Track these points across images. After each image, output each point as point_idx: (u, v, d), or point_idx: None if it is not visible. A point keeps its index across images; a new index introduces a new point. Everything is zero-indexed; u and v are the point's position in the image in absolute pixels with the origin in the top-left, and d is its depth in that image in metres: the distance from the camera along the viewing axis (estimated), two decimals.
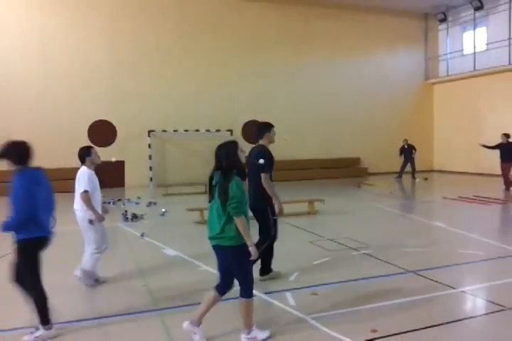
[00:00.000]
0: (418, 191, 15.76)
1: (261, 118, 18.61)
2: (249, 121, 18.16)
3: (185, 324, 3.84)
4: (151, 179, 16.90)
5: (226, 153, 3.67)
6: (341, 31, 20.16)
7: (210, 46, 18.09)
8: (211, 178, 3.78)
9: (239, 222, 3.58)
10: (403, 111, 21.50)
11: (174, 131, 17.28)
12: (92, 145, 6.18)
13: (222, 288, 3.84)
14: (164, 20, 17.54)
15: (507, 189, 13.73)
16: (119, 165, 16.35)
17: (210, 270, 5.78)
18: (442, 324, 4.15)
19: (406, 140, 18.19)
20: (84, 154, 5.35)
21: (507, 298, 4.82)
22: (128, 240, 8.03)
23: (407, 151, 18.02)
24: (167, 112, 17.46)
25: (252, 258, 3.68)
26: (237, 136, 17.58)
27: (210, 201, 3.76)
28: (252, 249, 3.64)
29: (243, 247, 3.64)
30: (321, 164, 19.50)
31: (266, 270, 5.55)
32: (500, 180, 14.24)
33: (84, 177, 5.22)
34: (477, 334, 4.14)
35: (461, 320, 4.29)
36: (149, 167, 16.98)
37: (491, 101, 19.05)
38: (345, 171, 19.64)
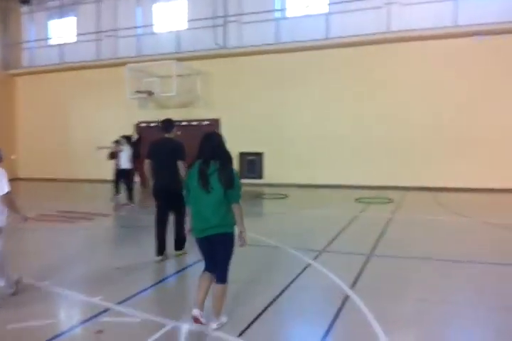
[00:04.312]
0: None
1: None
2: None
3: (196, 312, 3.74)
4: None
5: (220, 143, 3.79)
6: None
7: None
8: (206, 168, 3.67)
9: (239, 207, 3.73)
10: None
11: None
12: None
13: (214, 269, 3.81)
14: None
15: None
16: None
17: None
18: None
19: None
20: None
21: None
22: None
23: None
24: None
25: (245, 244, 3.79)
26: None
27: (208, 191, 3.63)
28: (245, 234, 3.78)
29: (233, 234, 3.75)
30: None
31: (182, 244, 6.03)
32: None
33: (5, 177, 4.40)
34: None
35: None
36: None
37: (78, 97, 17.28)
38: None
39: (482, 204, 10.90)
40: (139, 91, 15.29)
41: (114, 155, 11.28)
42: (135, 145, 12.93)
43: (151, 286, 4.94)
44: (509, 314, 4.10)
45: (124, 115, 16.46)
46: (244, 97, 15.08)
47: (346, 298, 4.46)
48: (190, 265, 5.71)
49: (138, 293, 4.64)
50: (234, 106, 15.18)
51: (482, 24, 12.45)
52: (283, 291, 4.66)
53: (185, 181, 3.84)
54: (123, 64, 15.60)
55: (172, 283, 5.28)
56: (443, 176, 12.99)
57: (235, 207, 3.70)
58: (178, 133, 6.42)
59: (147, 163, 5.93)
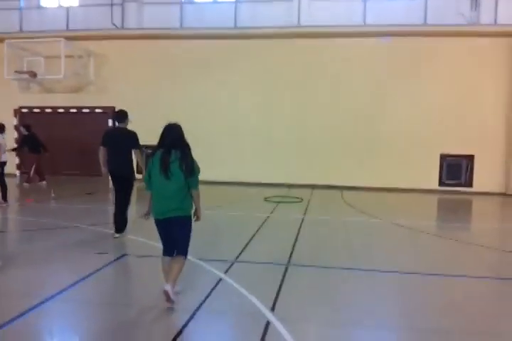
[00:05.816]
0: None
1: None
2: None
3: (167, 286, 3.85)
4: None
5: (180, 133, 4.09)
6: None
7: None
8: (167, 156, 3.91)
9: (198, 193, 4.11)
10: None
11: None
12: None
13: (173, 251, 4.10)
14: None
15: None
16: None
17: None
18: None
19: None
20: None
21: None
22: None
23: None
24: None
25: (199, 219, 4.19)
26: None
27: (168, 178, 3.88)
28: (200, 212, 4.17)
29: (191, 216, 4.13)
30: None
31: (123, 227, 6.59)
32: None
33: None
34: None
35: None
36: None
37: None
38: None
39: (387, 204, 10.88)
40: (19, 72, 13.24)
41: None
42: (30, 139, 11.63)
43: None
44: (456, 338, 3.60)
45: (2, 98, 14.23)
46: (143, 85, 13.79)
47: (267, 324, 3.67)
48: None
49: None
50: (131, 94, 13.79)
51: (388, 25, 12.52)
52: (191, 318, 3.75)
53: (147, 168, 4.05)
54: (1, 40, 13.44)
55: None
56: (349, 175, 12.91)
57: (194, 193, 4.05)
58: (131, 120, 6.78)
59: (102, 150, 6.43)
